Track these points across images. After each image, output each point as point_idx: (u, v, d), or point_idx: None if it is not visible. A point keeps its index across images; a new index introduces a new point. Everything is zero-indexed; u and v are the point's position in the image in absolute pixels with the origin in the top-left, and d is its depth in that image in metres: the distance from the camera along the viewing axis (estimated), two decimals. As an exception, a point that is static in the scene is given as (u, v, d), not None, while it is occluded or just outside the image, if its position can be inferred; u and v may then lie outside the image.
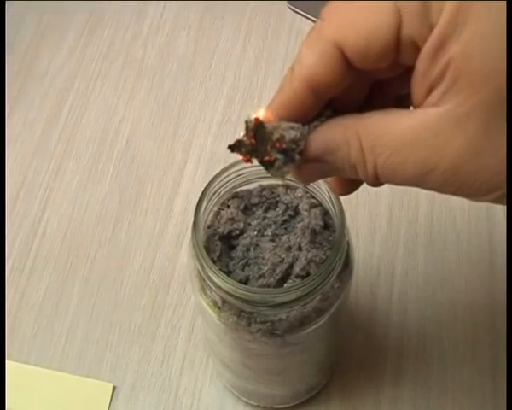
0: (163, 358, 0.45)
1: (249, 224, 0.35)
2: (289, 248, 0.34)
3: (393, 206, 0.51)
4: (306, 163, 0.25)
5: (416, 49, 0.22)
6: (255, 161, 0.26)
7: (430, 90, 0.22)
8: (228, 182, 0.35)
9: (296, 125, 0.25)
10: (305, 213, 0.34)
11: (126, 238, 0.50)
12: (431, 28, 0.21)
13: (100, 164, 0.54)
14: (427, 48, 0.22)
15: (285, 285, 0.33)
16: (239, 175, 0.35)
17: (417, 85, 0.23)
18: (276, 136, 0.24)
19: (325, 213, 0.35)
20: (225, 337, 0.35)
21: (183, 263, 0.49)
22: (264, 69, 0.59)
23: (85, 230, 0.51)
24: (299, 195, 0.35)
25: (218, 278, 0.31)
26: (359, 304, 0.47)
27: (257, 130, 0.24)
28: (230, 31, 0.61)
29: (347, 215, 0.33)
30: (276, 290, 0.32)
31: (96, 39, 0.61)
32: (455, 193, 0.23)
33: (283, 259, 0.33)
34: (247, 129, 0.24)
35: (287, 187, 0.36)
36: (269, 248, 0.34)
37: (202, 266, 0.32)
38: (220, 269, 0.32)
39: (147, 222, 0.51)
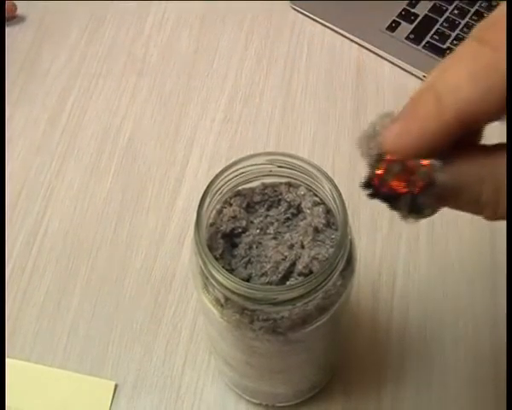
0: (165, 356, 0.45)
1: (252, 222, 0.35)
2: (292, 246, 0.34)
3: (395, 205, 0.51)
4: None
5: None
6: None
7: None
8: (230, 180, 0.35)
9: (438, 163, 0.22)
10: (308, 211, 0.34)
11: (128, 237, 0.50)
12: None
13: (102, 163, 0.54)
14: None
15: (287, 283, 0.33)
16: (241, 173, 0.35)
17: None
18: (422, 177, 0.23)
19: (328, 211, 0.35)
20: (228, 335, 0.35)
21: (185, 261, 0.49)
22: (266, 68, 0.59)
23: (87, 228, 0.51)
24: (302, 193, 0.35)
25: (221, 276, 0.31)
26: (361, 302, 0.47)
27: (403, 172, 0.23)
28: (232, 30, 0.61)
29: (349, 214, 0.33)
30: (279, 288, 0.32)
31: (98, 38, 0.61)
32: None
33: (286, 257, 0.33)
34: (389, 170, 0.23)
35: (289, 185, 0.36)
36: (271, 246, 0.34)
37: (205, 264, 0.32)
38: (223, 267, 0.32)
39: (148, 221, 0.51)
